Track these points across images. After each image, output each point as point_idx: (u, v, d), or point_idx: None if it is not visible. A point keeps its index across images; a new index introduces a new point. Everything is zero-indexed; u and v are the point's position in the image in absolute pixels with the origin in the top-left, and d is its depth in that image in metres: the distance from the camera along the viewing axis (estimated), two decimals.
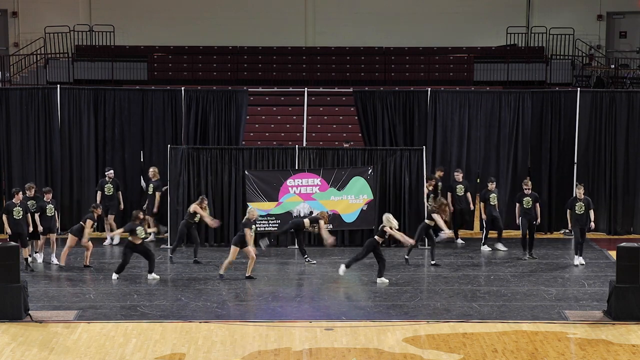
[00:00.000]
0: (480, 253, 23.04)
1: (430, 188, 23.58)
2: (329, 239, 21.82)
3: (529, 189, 22.22)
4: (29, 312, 17.94)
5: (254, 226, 20.52)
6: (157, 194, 23.58)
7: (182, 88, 24.87)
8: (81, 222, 21.42)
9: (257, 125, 30.69)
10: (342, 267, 20.65)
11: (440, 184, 23.97)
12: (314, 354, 16.25)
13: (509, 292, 19.84)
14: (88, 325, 17.55)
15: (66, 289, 19.99)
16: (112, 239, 23.46)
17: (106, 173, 23.68)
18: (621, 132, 24.92)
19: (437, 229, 22.06)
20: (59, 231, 22.00)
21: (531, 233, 22.23)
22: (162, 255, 22.73)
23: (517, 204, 22.27)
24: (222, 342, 16.76)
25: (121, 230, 21.26)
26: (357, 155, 23.73)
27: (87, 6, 34.62)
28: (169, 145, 23.67)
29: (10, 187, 23.32)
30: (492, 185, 23.11)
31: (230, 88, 27.13)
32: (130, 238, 20.30)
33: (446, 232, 22.25)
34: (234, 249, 20.38)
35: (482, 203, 23.29)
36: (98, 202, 23.18)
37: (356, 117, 25.87)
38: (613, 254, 20.84)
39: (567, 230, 24.34)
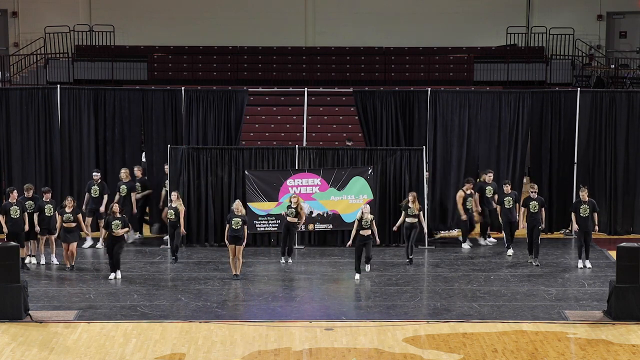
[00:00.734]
0: (483, 253, 23.01)
1: (469, 192, 23.17)
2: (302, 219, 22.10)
3: (535, 193, 21.87)
4: (29, 312, 17.95)
5: (235, 219, 20.39)
6: (133, 195, 23.39)
7: (182, 88, 24.86)
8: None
9: (257, 125, 30.68)
10: (357, 275, 20.77)
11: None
12: (314, 354, 16.25)
13: (509, 292, 19.84)
14: (88, 325, 17.56)
15: (66, 289, 19.99)
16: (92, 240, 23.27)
17: (93, 174, 23.40)
18: (621, 132, 24.91)
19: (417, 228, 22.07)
20: (58, 232, 21.99)
21: (536, 238, 21.80)
22: (161, 255, 22.74)
23: (524, 208, 21.94)
24: (222, 342, 16.76)
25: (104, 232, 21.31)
26: (357, 155, 23.73)
27: (87, 6, 34.60)
28: (169, 145, 23.68)
29: (10, 187, 23.28)
30: (507, 188, 22.65)
31: (230, 88, 27.12)
32: (109, 232, 20.41)
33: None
34: (229, 247, 20.58)
35: (498, 206, 23.01)
36: (85, 203, 23.08)
37: (356, 117, 25.85)
38: (613, 254, 20.85)
39: (567, 230, 24.36)
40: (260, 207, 23.32)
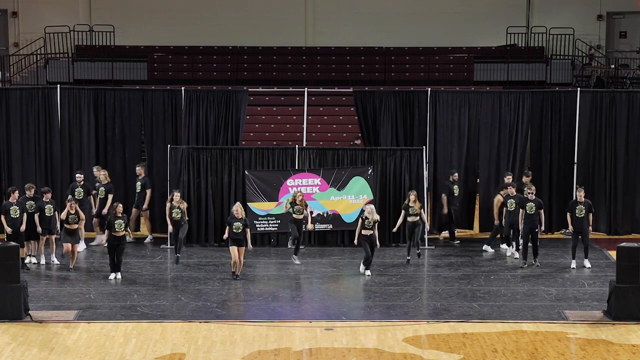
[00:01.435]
0: (483, 254, 23.01)
1: (511, 194, 22.31)
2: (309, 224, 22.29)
3: (532, 194, 21.65)
4: (29, 312, 17.95)
5: (236, 223, 20.26)
6: (110, 197, 23.24)
7: (182, 88, 24.86)
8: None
9: (257, 125, 30.68)
10: (367, 271, 20.89)
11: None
12: (314, 354, 16.25)
13: (509, 292, 19.84)
14: (88, 325, 17.56)
15: (66, 289, 19.99)
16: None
17: (76, 177, 23.16)
18: (621, 132, 24.91)
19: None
20: (59, 231, 21.97)
21: (534, 240, 21.59)
22: (161, 255, 22.73)
23: (520, 210, 21.69)
24: (222, 342, 16.76)
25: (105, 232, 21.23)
26: (357, 155, 23.73)
27: (87, 6, 34.60)
28: (169, 145, 23.68)
29: (10, 187, 23.27)
30: (512, 190, 22.31)
31: (230, 88, 27.12)
32: (111, 233, 20.35)
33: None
34: (231, 250, 20.46)
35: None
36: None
37: (356, 117, 25.85)
38: (613, 254, 20.85)
39: (567, 231, 24.32)
40: (260, 207, 23.32)
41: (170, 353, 16.29)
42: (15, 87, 28.49)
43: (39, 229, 21.43)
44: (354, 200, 23.50)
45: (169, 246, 22.90)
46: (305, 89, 25.68)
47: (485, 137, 24.83)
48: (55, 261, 21.69)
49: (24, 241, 21.29)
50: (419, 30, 34.53)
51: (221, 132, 24.54)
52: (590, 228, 21.74)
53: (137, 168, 23.81)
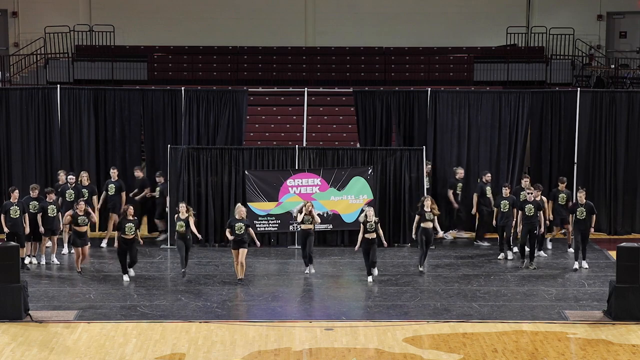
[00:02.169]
0: (483, 253, 23.00)
1: (538, 198, 21.96)
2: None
3: (532, 195, 21.50)
4: (29, 312, 17.95)
5: (238, 224, 20.02)
6: (94, 198, 23.20)
7: (182, 88, 24.87)
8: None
9: (257, 125, 30.67)
10: (369, 278, 20.44)
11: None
12: (314, 354, 16.25)
13: (509, 292, 19.84)
14: (88, 325, 17.56)
15: (66, 289, 19.99)
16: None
17: (68, 178, 22.88)
18: (621, 132, 24.91)
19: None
20: (61, 232, 21.98)
21: (532, 243, 21.50)
22: (161, 255, 22.73)
23: (519, 211, 21.56)
24: (222, 342, 16.76)
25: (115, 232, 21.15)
26: (357, 155, 23.73)
27: (87, 6, 34.59)
28: (169, 145, 23.68)
29: (10, 187, 23.28)
30: (505, 191, 22.29)
31: (230, 88, 27.12)
32: (121, 235, 20.20)
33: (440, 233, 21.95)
34: (233, 252, 20.33)
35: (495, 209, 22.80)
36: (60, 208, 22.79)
37: (355, 117, 25.82)
38: (613, 254, 20.85)
39: (566, 231, 24.32)
40: (260, 207, 23.32)
41: (170, 353, 16.29)
42: (15, 87, 28.49)
43: (42, 229, 21.43)
44: (354, 200, 23.50)
45: (168, 246, 22.90)
46: (305, 89, 25.68)
47: (485, 137, 24.83)
48: (55, 261, 21.69)
49: (25, 241, 21.28)
50: (419, 30, 34.51)
51: (221, 132, 24.55)
52: (592, 230, 21.67)
53: (83, 174, 23.30)
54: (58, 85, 25.16)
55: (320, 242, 23.54)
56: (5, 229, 21.02)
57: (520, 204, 21.70)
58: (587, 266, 21.50)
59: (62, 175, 23.08)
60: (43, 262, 21.65)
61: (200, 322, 17.76)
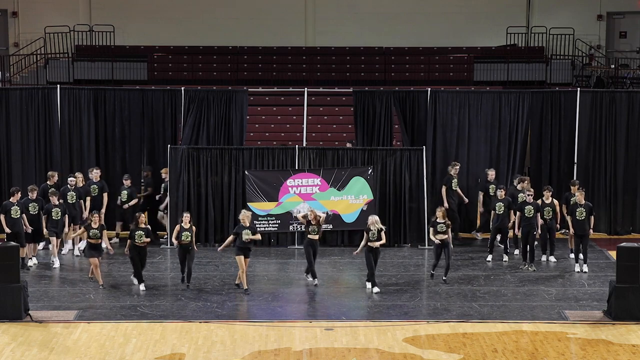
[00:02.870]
0: (483, 253, 23.01)
1: (500, 197, 22.14)
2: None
3: (531, 196, 21.49)
4: (29, 312, 17.95)
5: (245, 231, 19.52)
6: (88, 200, 22.99)
7: (182, 88, 24.87)
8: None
9: (257, 125, 30.66)
10: (375, 289, 19.69)
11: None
12: (314, 354, 16.25)
13: (509, 292, 19.84)
14: (88, 325, 17.56)
15: (66, 289, 19.98)
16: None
17: (69, 180, 22.55)
18: (621, 132, 24.92)
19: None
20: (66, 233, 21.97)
21: (531, 244, 21.41)
22: (161, 255, 22.73)
23: (518, 212, 21.55)
24: (222, 342, 16.76)
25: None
26: (357, 155, 23.73)
27: (87, 6, 34.58)
28: (169, 145, 23.68)
29: (10, 187, 23.29)
30: (501, 193, 22.22)
31: (230, 88, 27.12)
32: (132, 242, 19.74)
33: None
34: (237, 259, 19.73)
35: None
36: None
37: (353, 117, 25.82)
38: (613, 254, 20.85)
39: (566, 231, 24.31)
40: (260, 207, 23.32)
41: (170, 353, 16.29)
42: (15, 87, 28.49)
43: (45, 231, 21.41)
44: (354, 200, 23.50)
45: (168, 246, 22.89)
46: (305, 89, 25.68)
47: (485, 137, 24.83)
48: (56, 262, 21.63)
49: (26, 242, 21.27)
50: (419, 30, 34.50)
51: (221, 132, 24.54)
52: (591, 231, 21.61)
53: (78, 175, 23.12)
54: (58, 85, 25.16)
55: (320, 242, 23.50)
56: (7, 230, 21.00)
57: (520, 205, 21.68)
58: (587, 270, 21.38)
59: (53, 177, 22.93)
60: (57, 265, 21.50)
61: (200, 322, 17.76)
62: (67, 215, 21.75)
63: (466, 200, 24.09)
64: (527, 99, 24.85)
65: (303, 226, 21.00)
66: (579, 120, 24.79)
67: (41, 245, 22.22)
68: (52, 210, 21.47)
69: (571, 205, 21.68)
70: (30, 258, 21.61)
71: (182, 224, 19.93)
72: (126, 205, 23.46)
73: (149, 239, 19.88)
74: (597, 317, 18.21)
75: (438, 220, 20.35)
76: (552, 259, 22.25)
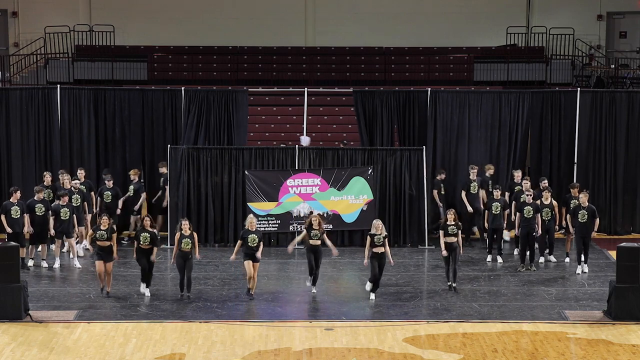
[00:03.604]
0: (483, 253, 23.00)
1: (496, 197, 22.03)
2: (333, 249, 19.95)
3: (531, 197, 21.43)
4: (29, 312, 17.95)
5: (251, 236, 19.16)
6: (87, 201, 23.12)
7: (182, 88, 24.88)
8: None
9: (257, 125, 30.66)
10: (372, 294, 19.32)
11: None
12: (314, 354, 16.26)
13: (509, 292, 19.84)
14: (88, 325, 17.56)
15: (66, 289, 19.99)
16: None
17: (72, 183, 22.44)
18: (621, 132, 24.93)
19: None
20: (77, 235, 21.94)
21: (531, 245, 21.36)
22: (162, 255, 22.73)
23: (518, 213, 21.47)
24: (222, 342, 16.76)
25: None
26: (357, 155, 23.73)
27: (87, 6, 34.57)
28: (169, 145, 23.69)
29: (10, 187, 23.30)
30: (497, 193, 22.21)
31: (230, 88, 27.11)
32: (138, 245, 19.47)
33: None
34: (245, 264, 19.37)
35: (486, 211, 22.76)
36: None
37: (355, 117, 25.82)
38: (613, 254, 20.85)
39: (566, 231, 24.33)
40: (261, 207, 23.33)
41: (170, 353, 16.30)
42: (15, 87, 28.48)
43: (52, 232, 21.39)
44: (354, 200, 23.51)
45: (168, 246, 22.88)
46: (305, 89, 25.69)
47: (485, 137, 24.84)
48: (57, 262, 21.61)
49: (31, 243, 21.26)
50: (419, 30, 34.49)
51: (221, 132, 24.55)
52: (595, 234, 21.49)
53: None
54: (58, 85, 25.18)
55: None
56: (8, 229, 20.99)
57: (519, 205, 21.65)
58: (587, 270, 21.37)
59: (47, 177, 22.84)
60: (57, 265, 21.52)
61: (200, 322, 17.77)
62: (75, 216, 21.71)
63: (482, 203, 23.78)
64: (527, 99, 24.85)
65: (303, 226, 20.86)
66: (579, 121, 24.80)
67: (65, 246, 22.02)
68: (61, 210, 21.44)
69: (574, 208, 21.57)
70: (32, 259, 21.58)
71: (182, 231, 19.30)
72: (136, 207, 23.49)
73: (155, 248, 19.34)
74: (597, 317, 18.21)
75: (449, 222, 19.86)
76: (552, 258, 22.24)
